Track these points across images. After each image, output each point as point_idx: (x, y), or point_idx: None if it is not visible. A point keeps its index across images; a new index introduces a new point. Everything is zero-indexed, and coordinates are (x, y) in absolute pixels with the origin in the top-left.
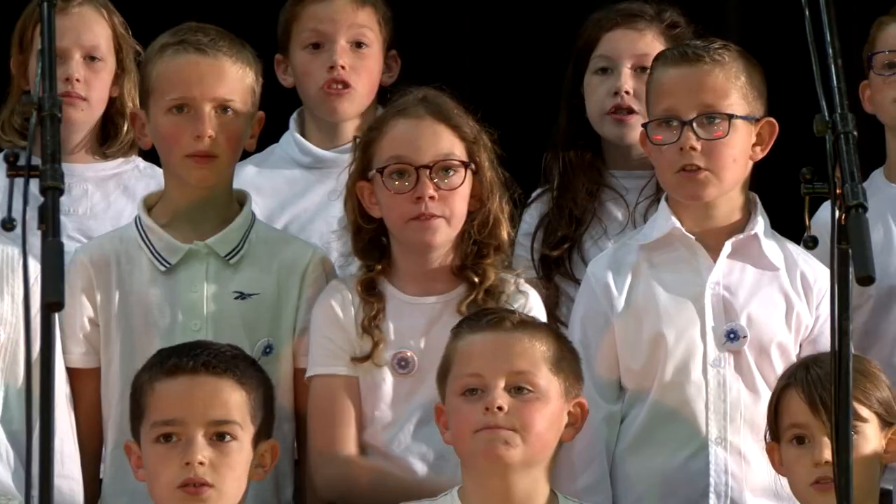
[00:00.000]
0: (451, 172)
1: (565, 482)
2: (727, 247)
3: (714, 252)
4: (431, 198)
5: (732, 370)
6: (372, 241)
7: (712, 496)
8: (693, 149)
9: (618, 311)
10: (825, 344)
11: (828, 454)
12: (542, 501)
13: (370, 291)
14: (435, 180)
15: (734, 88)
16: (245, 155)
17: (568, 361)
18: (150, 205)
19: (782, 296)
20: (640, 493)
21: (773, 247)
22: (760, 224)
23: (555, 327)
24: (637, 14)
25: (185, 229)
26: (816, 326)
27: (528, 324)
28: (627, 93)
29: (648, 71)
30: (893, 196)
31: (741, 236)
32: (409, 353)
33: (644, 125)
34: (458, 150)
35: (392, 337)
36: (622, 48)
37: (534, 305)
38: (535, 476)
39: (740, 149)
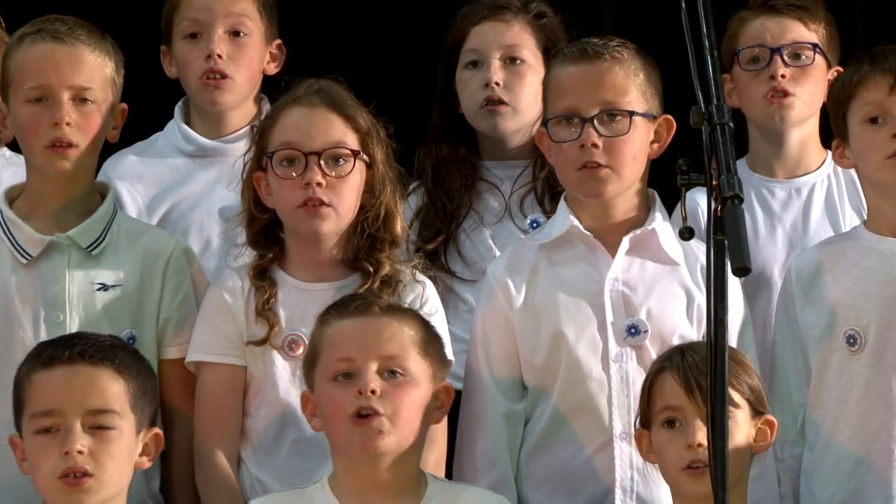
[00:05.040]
0: (342, 161)
1: (468, 482)
2: (625, 243)
3: (613, 248)
4: (319, 184)
5: (636, 364)
6: (266, 231)
7: (618, 491)
8: (595, 146)
9: (517, 310)
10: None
11: (701, 437)
12: (411, 483)
13: (262, 277)
14: (324, 168)
15: (633, 86)
16: (126, 143)
17: (435, 346)
18: (12, 197)
19: (682, 289)
20: (546, 492)
21: (672, 241)
22: (659, 219)
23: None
24: (503, 6)
25: (46, 221)
26: None
27: (395, 308)
28: (498, 84)
29: (548, 68)
30: (757, 184)
31: (638, 232)
32: (299, 336)
33: (544, 123)
34: (350, 140)
35: (283, 322)
36: (490, 40)
37: (430, 295)
38: (405, 460)
39: (640, 146)
